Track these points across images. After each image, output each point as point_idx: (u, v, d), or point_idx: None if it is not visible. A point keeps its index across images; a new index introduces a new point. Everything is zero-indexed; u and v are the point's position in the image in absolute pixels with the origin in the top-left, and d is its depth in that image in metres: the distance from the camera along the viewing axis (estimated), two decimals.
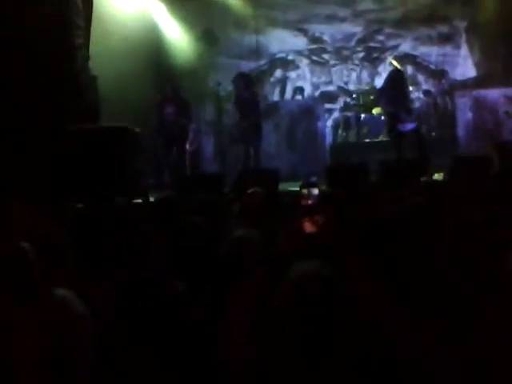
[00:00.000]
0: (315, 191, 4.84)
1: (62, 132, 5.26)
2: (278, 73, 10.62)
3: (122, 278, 2.11)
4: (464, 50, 10.96)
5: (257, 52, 10.35)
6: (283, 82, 10.62)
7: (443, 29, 10.90)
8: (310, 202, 3.98)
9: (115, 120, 6.12)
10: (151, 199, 4.67)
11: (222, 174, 6.35)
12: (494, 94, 8.86)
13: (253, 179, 4.97)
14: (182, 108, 6.95)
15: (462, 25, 10.88)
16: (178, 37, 9.07)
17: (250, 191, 4.09)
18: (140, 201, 4.79)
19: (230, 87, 8.28)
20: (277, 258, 2.28)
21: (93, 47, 6.55)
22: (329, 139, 9.73)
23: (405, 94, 7.30)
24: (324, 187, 5.17)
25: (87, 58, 6.27)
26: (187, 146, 7.90)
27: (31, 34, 5.58)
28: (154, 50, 8.57)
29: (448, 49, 10.95)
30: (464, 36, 10.93)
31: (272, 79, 10.60)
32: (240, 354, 1.75)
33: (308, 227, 2.82)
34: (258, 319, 1.88)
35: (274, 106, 9.34)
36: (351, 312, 1.60)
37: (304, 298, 1.73)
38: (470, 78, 10.47)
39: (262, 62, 10.47)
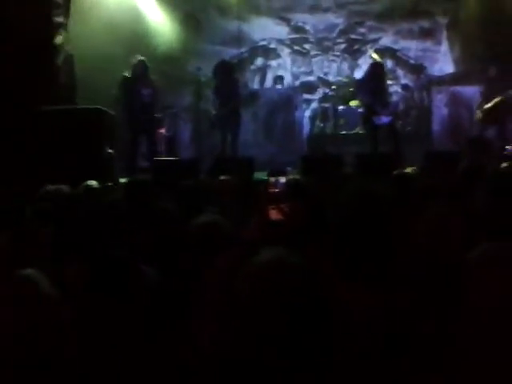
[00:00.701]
0: (282, 179, 4.88)
1: (36, 112, 5.19)
2: (259, 61, 10.60)
3: (94, 261, 2.12)
4: (444, 46, 11.09)
5: (238, 39, 10.31)
6: (264, 70, 10.61)
7: (425, 24, 11.00)
8: (276, 190, 4.02)
9: (92, 102, 6.05)
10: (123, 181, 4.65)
11: (197, 159, 6.33)
12: (470, 90, 9.01)
13: (228, 167, 4.99)
14: (156, 91, 6.84)
15: (443, 21, 11.00)
16: (159, 20, 8.95)
17: (222, 178, 4.13)
18: (112, 184, 4.77)
19: (210, 73, 8.25)
20: (243, 245, 2.32)
21: (72, 27, 6.44)
22: (306, 129, 9.79)
23: (383, 88, 7.36)
24: (295, 176, 5.21)
25: (66, 37, 6.16)
26: (163, 131, 7.86)
27: (7, 11, 5.47)
28: (134, 32, 8.44)
29: (428, 44, 11.06)
30: (445, 32, 11.06)
31: (253, 67, 10.57)
32: (211, 340, 1.78)
33: (274, 215, 2.86)
34: (224, 306, 1.92)
35: (254, 94, 9.33)
36: (317, 299, 1.65)
37: (267, 284, 1.78)
38: (447, 74, 10.62)
39: (244, 50, 10.42)
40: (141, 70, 6.68)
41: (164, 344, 1.83)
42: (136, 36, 8.41)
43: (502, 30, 9.51)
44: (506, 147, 7.90)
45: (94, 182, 3.73)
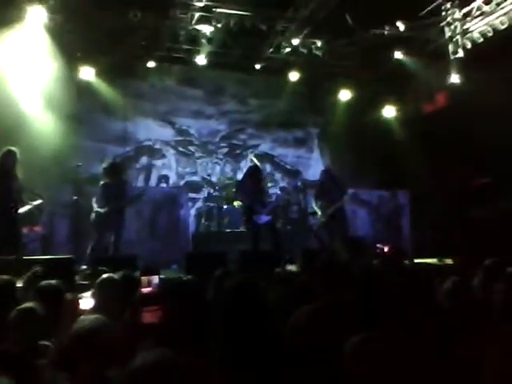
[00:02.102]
0: (155, 279, 4.70)
1: None
2: (144, 160, 10.74)
3: None
4: (316, 154, 12.21)
5: (124, 138, 10.43)
6: (148, 169, 10.73)
7: (299, 133, 12.12)
8: (149, 290, 3.88)
9: None
10: None
11: (73, 259, 5.90)
12: None
13: (110, 265, 4.77)
14: (20, 187, 6.42)
15: (314, 131, 12.22)
16: (39, 114, 8.77)
17: (105, 276, 3.94)
18: None
19: (93, 170, 8.13)
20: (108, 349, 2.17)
21: None
22: (192, 228, 9.85)
23: (261, 188, 7.73)
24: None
25: None
26: (38, 229, 7.46)
27: None
28: (10, 125, 8.14)
29: (302, 151, 12.12)
30: (316, 141, 12.23)
31: (137, 165, 10.65)
32: None
33: (147, 317, 2.75)
34: None
35: (140, 193, 9.24)
36: None
37: None
38: (319, 179, 11.57)
39: (129, 148, 10.54)
40: (12, 161, 6.30)
41: None
42: (13, 128, 8.11)
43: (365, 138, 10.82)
44: (377, 245, 8.60)
45: None
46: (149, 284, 4.52)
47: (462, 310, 2.79)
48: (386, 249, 8.54)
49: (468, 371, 2.00)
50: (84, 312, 3.72)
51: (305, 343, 2.43)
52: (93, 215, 7.14)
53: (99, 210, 7.08)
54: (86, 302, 3.63)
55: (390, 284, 2.88)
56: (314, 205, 8.55)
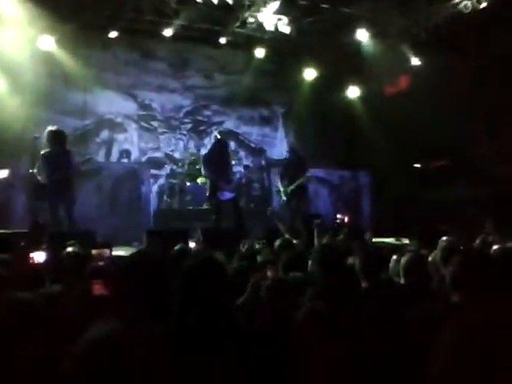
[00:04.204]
0: (106, 252, 4.70)
1: None
2: (105, 134, 10.45)
3: None
4: (280, 133, 12.23)
5: (84, 111, 10.11)
6: (109, 143, 10.47)
7: (264, 112, 12.07)
8: (101, 263, 3.87)
9: None
10: None
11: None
12: None
13: (66, 241, 4.65)
14: None
15: (280, 110, 12.20)
16: None
17: (66, 251, 3.88)
18: None
19: None
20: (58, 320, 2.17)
21: None
22: (153, 205, 9.73)
23: (227, 164, 7.68)
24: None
25: None
26: None
27: None
28: None
29: (267, 130, 12.10)
30: (281, 120, 12.23)
31: (98, 139, 10.37)
32: None
33: (98, 289, 2.75)
34: None
35: (98, 167, 9.03)
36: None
37: (97, 358, 1.71)
38: (285, 158, 11.63)
39: (88, 122, 10.24)
40: None
41: None
42: None
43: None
44: (337, 215, 8.73)
45: None
46: (101, 257, 4.49)
47: (416, 284, 2.88)
48: (346, 219, 8.72)
49: (419, 344, 2.07)
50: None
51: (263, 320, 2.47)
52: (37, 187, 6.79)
53: (43, 181, 6.66)
54: None
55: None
56: (279, 184, 8.59)
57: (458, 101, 8.58)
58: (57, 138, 6.83)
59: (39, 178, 6.74)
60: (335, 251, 2.65)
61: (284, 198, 8.37)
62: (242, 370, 1.93)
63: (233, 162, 8.99)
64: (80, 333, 1.83)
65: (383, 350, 2.17)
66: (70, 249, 3.98)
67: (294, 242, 4.90)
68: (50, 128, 6.90)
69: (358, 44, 9.57)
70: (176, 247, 4.30)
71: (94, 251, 4.53)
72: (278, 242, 4.53)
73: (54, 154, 6.70)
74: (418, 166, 10.06)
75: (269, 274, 3.01)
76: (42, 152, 6.76)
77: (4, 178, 7.09)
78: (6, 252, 4.00)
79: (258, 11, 8.83)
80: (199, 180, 9.66)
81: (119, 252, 5.89)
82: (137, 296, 1.91)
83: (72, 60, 9.33)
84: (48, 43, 8.82)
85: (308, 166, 8.47)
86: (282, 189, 8.39)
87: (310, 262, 2.81)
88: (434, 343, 1.95)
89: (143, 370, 1.74)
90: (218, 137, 8.36)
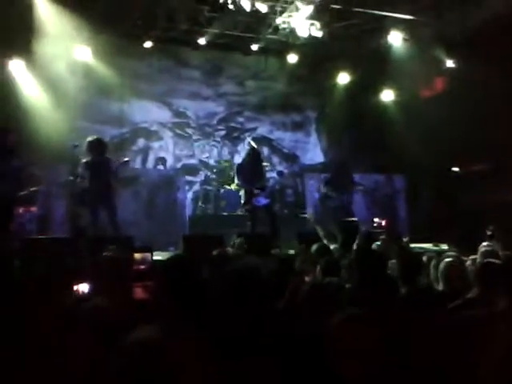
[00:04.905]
0: (148, 256, 4.77)
1: None
2: (141, 142, 10.67)
3: None
4: (313, 138, 12.20)
5: (120, 119, 10.35)
6: (145, 151, 10.68)
7: (297, 117, 12.08)
8: (142, 267, 3.93)
9: None
10: None
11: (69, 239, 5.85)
12: None
13: (106, 245, 4.77)
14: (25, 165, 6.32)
15: (312, 115, 12.18)
16: (36, 95, 8.71)
17: (104, 254, 3.96)
18: None
19: None
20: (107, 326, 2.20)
21: None
22: (188, 211, 9.85)
23: (260, 172, 7.73)
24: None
25: None
26: (34, 209, 7.39)
27: None
28: (9, 105, 8.11)
29: (300, 135, 12.10)
30: (314, 125, 12.20)
31: (134, 148, 10.60)
32: None
33: (139, 293, 2.77)
34: None
35: (135, 174, 9.21)
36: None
37: (137, 364, 1.74)
38: (318, 163, 11.62)
39: (125, 130, 10.47)
40: (13, 141, 6.21)
41: None
42: (11, 109, 8.07)
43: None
44: (374, 219, 8.57)
45: None
46: (143, 261, 4.58)
47: (456, 290, 2.83)
48: (383, 222, 8.59)
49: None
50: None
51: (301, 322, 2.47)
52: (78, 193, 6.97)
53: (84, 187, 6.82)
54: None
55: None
56: (323, 189, 8.41)
57: (494, 103, 8.38)
58: (98, 146, 7.01)
59: (81, 184, 6.94)
60: (374, 256, 2.63)
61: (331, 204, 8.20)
62: (280, 374, 1.94)
63: (266, 168, 9.01)
64: (122, 338, 1.87)
65: (421, 357, 2.13)
66: (107, 253, 4.05)
67: (332, 247, 4.88)
68: (90, 138, 7.08)
69: (391, 47, 9.47)
70: (214, 252, 4.33)
71: (136, 255, 4.60)
72: (315, 247, 4.52)
73: (96, 162, 6.88)
74: (455, 169, 9.83)
75: (307, 278, 3.01)
76: (84, 160, 6.94)
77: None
78: None
79: (291, 17, 8.87)
80: (233, 186, 9.71)
81: (157, 257, 5.98)
82: (174, 300, 1.93)
83: (108, 70, 9.57)
84: (85, 54, 9.07)
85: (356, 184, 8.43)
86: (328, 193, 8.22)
87: (347, 267, 2.80)
88: (475, 351, 1.91)
89: (182, 376, 1.76)
90: (252, 143, 8.38)
